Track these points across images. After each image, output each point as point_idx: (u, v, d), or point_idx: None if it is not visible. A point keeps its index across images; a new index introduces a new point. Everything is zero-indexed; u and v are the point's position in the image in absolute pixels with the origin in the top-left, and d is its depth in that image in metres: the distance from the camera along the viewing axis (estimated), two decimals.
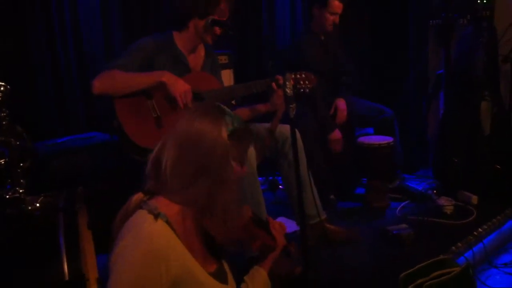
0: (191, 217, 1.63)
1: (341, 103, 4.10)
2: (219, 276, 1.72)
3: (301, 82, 3.07)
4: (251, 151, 2.81)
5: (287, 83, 2.32)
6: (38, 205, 1.87)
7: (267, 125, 3.07)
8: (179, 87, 2.75)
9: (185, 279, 1.55)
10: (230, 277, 1.81)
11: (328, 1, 3.96)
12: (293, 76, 2.97)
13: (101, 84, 2.71)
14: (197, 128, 1.61)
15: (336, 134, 3.93)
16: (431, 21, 4.57)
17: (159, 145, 1.66)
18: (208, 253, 1.74)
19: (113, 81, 2.71)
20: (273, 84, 2.97)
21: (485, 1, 4.03)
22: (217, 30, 2.94)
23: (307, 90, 3.09)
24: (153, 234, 1.52)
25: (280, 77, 2.94)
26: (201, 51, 3.12)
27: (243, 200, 1.81)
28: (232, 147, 1.62)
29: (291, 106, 2.26)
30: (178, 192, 1.61)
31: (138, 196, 1.66)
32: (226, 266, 1.82)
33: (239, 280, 1.87)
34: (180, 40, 2.99)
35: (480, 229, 3.42)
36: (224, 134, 1.61)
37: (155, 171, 1.65)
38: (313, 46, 4.09)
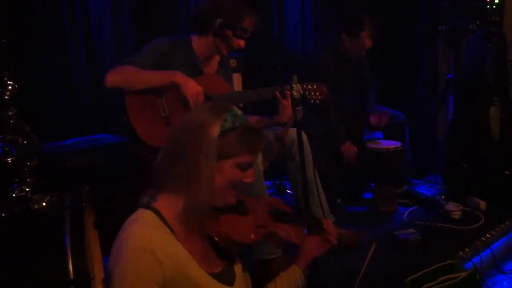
0: (188, 216, 1.62)
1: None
2: (224, 278, 1.71)
3: (312, 93, 3.03)
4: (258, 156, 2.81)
5: (293, 85, 2.32)
6: (44, 204, 1.88)
7: (276, 131, 3.07)
8: (191, 87, 2.75)
9: (178, 276, 1.54)
10: (240, 281, 1.79)
11: (360, 37, 3.91)
12: (302, 85, 2.95)
13: (114, 78, 2.73)
14: (193, 113, 1.68)
15: (348, 146, 3.92)
16: (440, 26, 4.57)
17: None
18: (216, 255, 1.75)
19: (126, 76, 2.73)
20: (277, 93, 2.94)
21: (494, 7, 4.02)
22: (232, 40, 2.93)
23: (317, 101, 3.05)
24: (143, 227, 1.54)
25: (287, 87, 2.92)
26: (216, 58, 3.14)
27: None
28: (222, 143, 1.59)
29: (297, 108, 2.25)
30: (165, 180, 1.63)
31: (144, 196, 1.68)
32: (238, 270, 1.80)
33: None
34: (198, 45, 2.99)
35: (488, 235, 3.40)
36: (216, 129, 1.59)
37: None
38: (335, 64, 4.02)
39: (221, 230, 1.71)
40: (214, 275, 1.66)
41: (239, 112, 1.67)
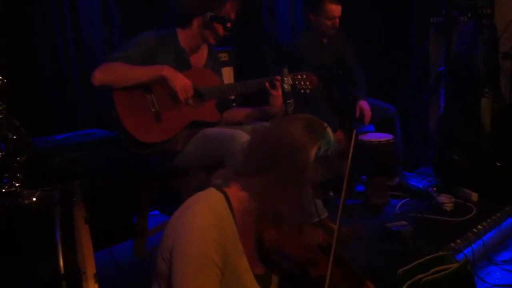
0: (253, 214, 1.64)
1: (365, 104, 4.11)
2: (264, 281, 1.73)
3: (302, 83, 3.02)
4: None
5: (284, 78, 2.32)
6: (34, 199, 1.87)
7: (266, 124, 3.06)
8: (180, 81, 2.74)
9: (226, 266, 1.55)
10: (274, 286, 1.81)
11: (323, 7, 3.92)
12: (292, 76, 2.94)
13: (101, 75, 2.71)
14: (292, 129, 1.68)
15: (338, 135, 3.93)
16: (432, 18, 4.57)
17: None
18: (258, 258, 1.75)
19: (113, 72, 2.71)
20: (267, 84, 2.92)
21: None
22: (219, 29, 2.92)
23: (307, 91, 3.05)
24: (213, 207, 1.57)
25: (278, 77, 2.91)
26: (204, 51, 3.12)
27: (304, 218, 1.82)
28: (314, 169, 1.64)
29: (288, 101, 2.26)
30: (244, 177, 1.64)
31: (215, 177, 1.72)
32: (275, 280, 1.81)
33: None
34: (183, 37, 2.98)
35: (479, 226, 3.41)
36: (312, 155, 1.65)
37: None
38: (312, 46, 4.04)
39: (274, 234, 1.70)
40: (256, 276, 1.68)
41: (332, 136, 1.73)
